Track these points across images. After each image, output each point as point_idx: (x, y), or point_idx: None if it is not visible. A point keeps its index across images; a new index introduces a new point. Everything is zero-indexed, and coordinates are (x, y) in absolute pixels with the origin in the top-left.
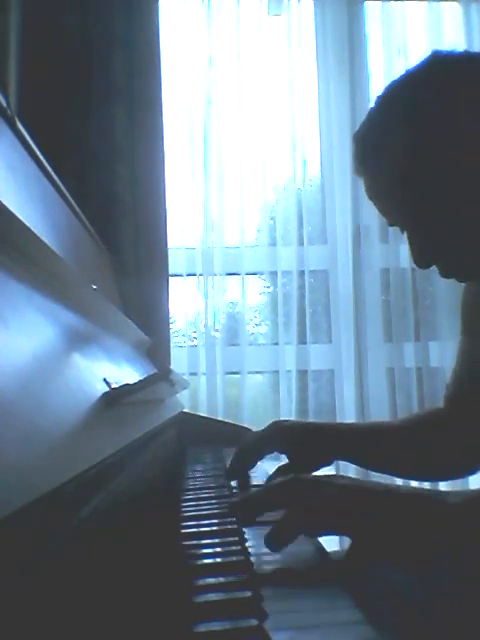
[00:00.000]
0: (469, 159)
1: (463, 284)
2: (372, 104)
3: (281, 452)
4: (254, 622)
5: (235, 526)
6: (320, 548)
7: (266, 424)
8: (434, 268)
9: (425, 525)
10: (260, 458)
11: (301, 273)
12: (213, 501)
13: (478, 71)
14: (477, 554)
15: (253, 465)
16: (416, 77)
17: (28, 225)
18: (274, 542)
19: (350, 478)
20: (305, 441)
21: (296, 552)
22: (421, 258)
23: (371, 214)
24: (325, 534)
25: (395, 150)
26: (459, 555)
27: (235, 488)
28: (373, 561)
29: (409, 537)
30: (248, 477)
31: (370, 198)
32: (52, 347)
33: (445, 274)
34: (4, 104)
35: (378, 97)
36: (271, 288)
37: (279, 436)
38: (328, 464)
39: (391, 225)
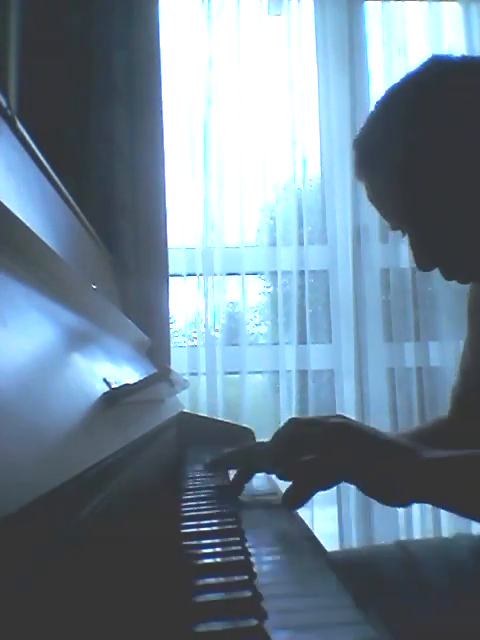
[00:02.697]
0: (468, 163)
1: (465, 285)
2: (372, 106)
3: None
4: (254, 622)
5: (235, 526)
6: (319, 546)
7: (265, 423)
8: (436, 270)
9: (401, 472)
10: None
11: (301, 273)
12: (213, 501)
13: (476, 75)
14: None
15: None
16: (415, 81)
17: (28, 225)
18: (291, 504)
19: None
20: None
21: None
22: (423, 261)
23: (371, 214)
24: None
25: (395, 154)
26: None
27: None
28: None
29: (390, 480)
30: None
31: (371, 202)
32: (52, 347)
33: (448, 277)
34: (4, 104)
35: (377, 102)
36: (271, 288)
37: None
38: None
39: (393, 229)
